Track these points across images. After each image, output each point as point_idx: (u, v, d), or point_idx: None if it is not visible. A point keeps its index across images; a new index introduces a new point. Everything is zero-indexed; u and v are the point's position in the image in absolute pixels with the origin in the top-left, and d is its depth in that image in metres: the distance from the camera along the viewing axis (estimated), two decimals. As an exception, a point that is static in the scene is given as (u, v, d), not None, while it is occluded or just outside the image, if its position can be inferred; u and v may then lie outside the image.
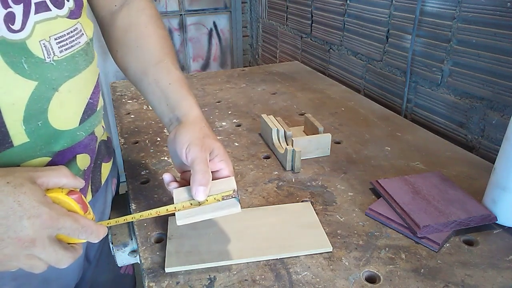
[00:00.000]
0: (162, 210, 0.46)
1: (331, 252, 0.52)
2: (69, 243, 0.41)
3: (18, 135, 0.45)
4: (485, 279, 0.47)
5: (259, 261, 0.50)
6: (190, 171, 0.47)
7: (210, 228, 0.55)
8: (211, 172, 0.47)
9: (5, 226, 0.36)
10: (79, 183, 0.42)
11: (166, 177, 0.49)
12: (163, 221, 0.58)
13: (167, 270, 0.49)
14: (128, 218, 0.47)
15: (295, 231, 0.55)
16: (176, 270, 0.49)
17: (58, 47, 0.46)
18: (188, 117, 0.52)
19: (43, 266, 0.40)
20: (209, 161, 0.48)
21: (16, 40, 0.42)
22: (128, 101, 1.06)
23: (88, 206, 0.43)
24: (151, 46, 0.58)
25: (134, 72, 0.58)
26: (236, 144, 0.82)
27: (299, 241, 0.53)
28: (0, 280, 0.50)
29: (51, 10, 0.45)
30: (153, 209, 0.47)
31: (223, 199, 0.46)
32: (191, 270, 0.49)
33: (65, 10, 0.48)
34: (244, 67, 1.91)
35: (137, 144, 0.83)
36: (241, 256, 0.51)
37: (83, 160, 0.55)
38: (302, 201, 0.62)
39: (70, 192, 0.41)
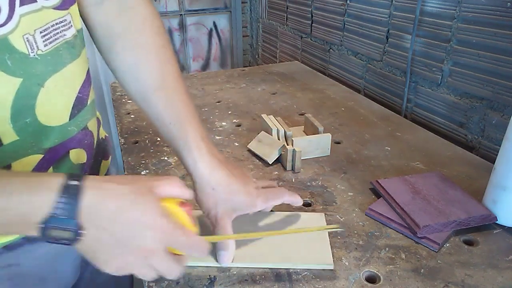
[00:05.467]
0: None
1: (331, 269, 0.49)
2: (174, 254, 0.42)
3: (7, 133, 0.44)
4: (485, 279, 0.47)
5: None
6: None
7: None
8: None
9: (132, 235, 0.37)
10: (190, 194, 0.42)
11: None
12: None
13: None
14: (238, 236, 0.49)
15: (300, 242, 0.52)
16: None
17: (43, 41, 0.45)
18: (203, 179, 0.50)
19: (154, 275, 0.40)
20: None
21: None
22: (128, 101, 1.06)
23: (195, 218, 0.43)
24: (150, 62, 0.54)
25: (134, 96, 0.55)
26: (236, 144, 0.82)
27: (303, 253, 0.51)
28: None
29: (36, 2, 0.44)
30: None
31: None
32: (191, 270, 0.49)
33: (54, 1, 0.46)
34: (244, 67, 1.91)
35: (137, 144, 0.83)
36: (241, 260, 0.50)
37: (77, 155, 0.53)
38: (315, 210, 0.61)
39: (181, 204, 0.42)
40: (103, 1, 0.54)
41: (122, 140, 0.84)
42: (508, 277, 0.47)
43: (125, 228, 0.37)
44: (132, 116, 0.96)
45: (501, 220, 0.56)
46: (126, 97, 1.09)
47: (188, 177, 0.52)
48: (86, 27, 0.57)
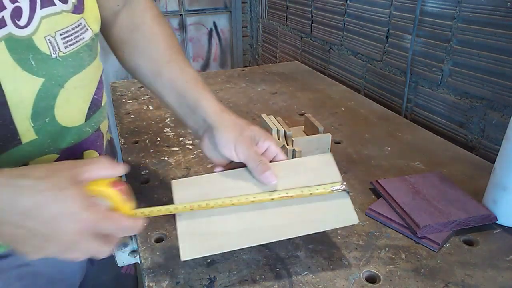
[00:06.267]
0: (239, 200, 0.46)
1: (356, 224, 0.47)
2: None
3: (27, 132, 0.45)
4: (485, 279, 0.47)
5: (259, 260, 0.50)
6: (233, 162, 0.50)
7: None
8: (262, 154, 0.50)
9: (50, 229, 0.36)
10: (120, 171, 0.42)
11: (217, 170, 0.52)
12: (163, 221, 0.58)
13: (183, 259, 0.44)
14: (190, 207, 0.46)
15: (317, 201, 0.47)
16: (193, 258, 0.45)
17: (63, 43, 0.46)
18: (216, 117, 0.51)
19: (85, 256, 0.41)
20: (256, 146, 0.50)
21: (23, 36, 0.42)
22: (128, 101, 1.06)
23: (130, 194, 0.43)
24: (160, 45, 0.58)
25: (145, 73, 0.58)
26: (236, 144, 0.82)
27: (323, 215, 0.47)
28: (6, 281, 0.50)
29: (56, 5, 0.45)
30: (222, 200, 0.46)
31: (332, 191, 0.45)
32: (191, 270, 0.49)
33: (69, 5, 0.47)
34: (244, 67, 1.91)
35: (137, 144, 0.83)
36: (262, 238, 0.45)
37: (90, 157, 0.55)
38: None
39: (114, 183, 0.41)
40: (120, 11, 0.59)
41: (122, 140, 0.84)
42: (508, 277, 0.47)
43: (44, 224, 0.36)
44: (132, 116, 0.96)
45: (501, 220, 0.56)
46: (126, 97, 1.09)
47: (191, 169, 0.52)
48: (102, 30, 0.61)
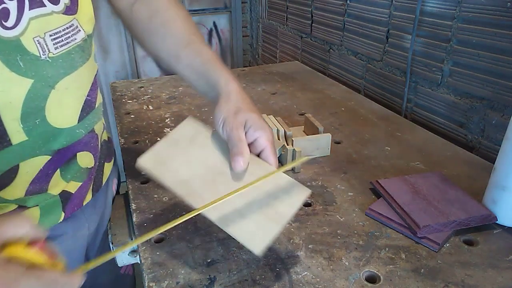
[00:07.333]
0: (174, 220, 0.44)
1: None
2: None
3: (16, 133, 0.45)
4: (485, 279, 0.47)
5: (259, 260, 0.50)
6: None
7: (202, 164, 0.48)
8: (249, 143, 0.48)
9: None
10: (39, 233, 0.35)
11: None
12: (163, 221, 0.58)
13: (139, 163, 0.48)
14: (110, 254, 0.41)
15: (270, 196, 0.46)
16: (144, 167, 0.49)
17: (53, 44, 0.46)
18: (223, 93, 0.51)
19: None
20: (245, 133, 0.48)
21: (10, 37, 0.41)
22: (128, 101, 1.06)
23: (56, 253, 0.37)
24: (177, 29, 0.59)
25: (167, 59, 0.59)
26: (236, 144, 0.82)
27: (280, 204, 0.45)
28: None
29: (46, 6, 0.45)
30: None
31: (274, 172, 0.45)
32: (191, 270, 0.49)
33: (60, 6, 0.47)
34: (244, 67, 1.91)
35: (137, 144, 0.83)
36: (213, 214, 0.43)
37: (84, 158, 0.54)
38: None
39: (32, 243, 0.35)
40: (135, 1, 0.61)
41: (122, 140, 0.84)
42: (508, 277, 0.47)
43: None
44: (132, 116, 0.96)
45: (501, 220, 0.56)
46: (126, 97, 1.09)
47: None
48: (122, 22, 0.63)
